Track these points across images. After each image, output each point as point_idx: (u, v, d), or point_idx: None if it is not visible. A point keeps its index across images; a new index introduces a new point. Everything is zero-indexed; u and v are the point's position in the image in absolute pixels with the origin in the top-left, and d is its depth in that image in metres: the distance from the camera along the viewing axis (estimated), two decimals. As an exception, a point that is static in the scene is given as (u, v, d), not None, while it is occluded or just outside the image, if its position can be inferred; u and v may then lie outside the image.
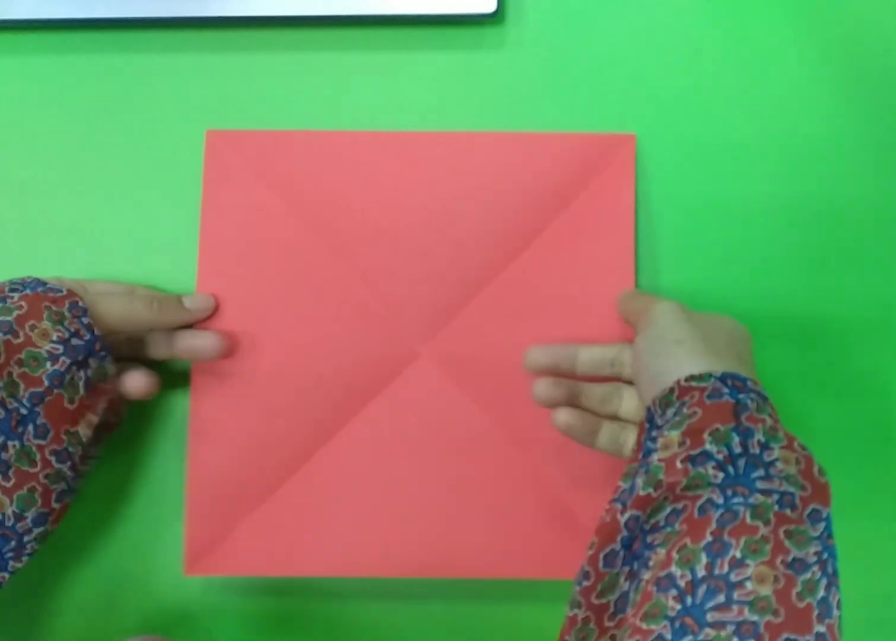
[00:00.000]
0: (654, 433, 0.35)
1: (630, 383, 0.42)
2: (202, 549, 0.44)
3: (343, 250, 0.45)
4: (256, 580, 0.45)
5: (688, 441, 0.33)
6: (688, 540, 0.31)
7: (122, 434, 0.45)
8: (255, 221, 0.45)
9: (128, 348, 0.43)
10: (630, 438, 0.41)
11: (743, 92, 0.46)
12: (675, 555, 0.31)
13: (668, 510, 0.33)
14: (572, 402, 0.42)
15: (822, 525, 0.32)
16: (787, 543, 0.31)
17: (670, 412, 0.35)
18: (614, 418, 0.42)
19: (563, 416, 0.41)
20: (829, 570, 0.31)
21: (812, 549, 0.31)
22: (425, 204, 0.45)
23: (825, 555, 0.31)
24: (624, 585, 0.33)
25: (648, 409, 0.36)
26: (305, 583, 0.45)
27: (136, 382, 0.42)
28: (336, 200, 0.46)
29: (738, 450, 0.33)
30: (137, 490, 0.46)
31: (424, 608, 0.45)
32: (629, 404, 0.42)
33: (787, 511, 0.32)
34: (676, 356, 0.37)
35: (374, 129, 0.46)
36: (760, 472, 0.32)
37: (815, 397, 0.46)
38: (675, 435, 0.33)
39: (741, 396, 0.34)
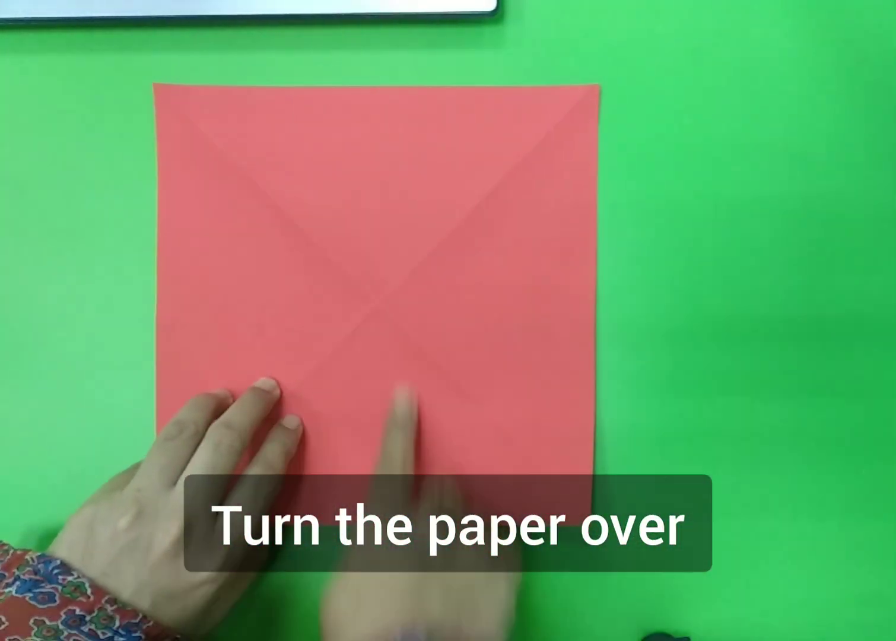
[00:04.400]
0: None
1: None
2: None
3: (297, 205, 0.46)
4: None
5: None
6: None
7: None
8: (209, 176, 0.46)
9: None
10: None
11: (744, 92, 0.46)
12: None
13: None
14: None
15: None
16: None
17: None
18: None
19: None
20: None
21: None
22: (383, 158, 0.46)
23: None
24: None
25: None
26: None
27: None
28: (290, 155, 0.46)
29: None
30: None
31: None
32: None
33: None
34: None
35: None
36: None
37: (815, 397, 0.46)
38: None
39: None
